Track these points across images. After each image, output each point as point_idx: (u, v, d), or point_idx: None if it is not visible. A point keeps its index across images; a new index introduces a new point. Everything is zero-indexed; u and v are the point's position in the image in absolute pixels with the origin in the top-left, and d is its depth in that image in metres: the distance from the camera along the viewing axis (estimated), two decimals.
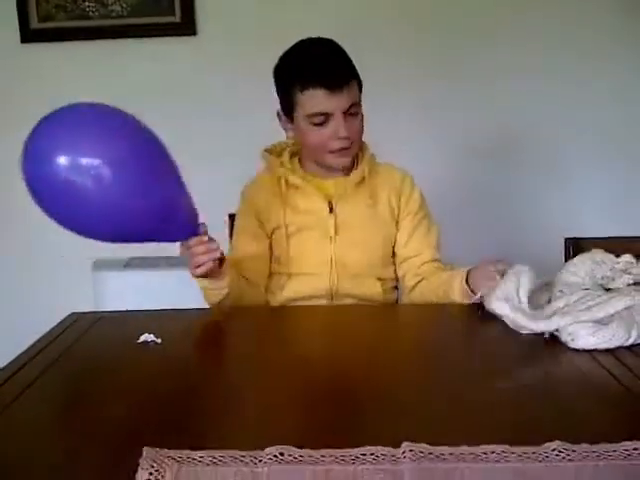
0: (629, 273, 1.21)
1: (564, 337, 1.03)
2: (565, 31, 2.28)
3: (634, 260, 1.25)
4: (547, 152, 2.36)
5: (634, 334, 1.02)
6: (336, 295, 1.44)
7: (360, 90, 1.38)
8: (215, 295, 1.31)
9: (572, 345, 1.02)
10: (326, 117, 1.33)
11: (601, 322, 1.04)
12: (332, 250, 1.43)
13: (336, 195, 1.43)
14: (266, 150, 1.49)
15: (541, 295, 1.19)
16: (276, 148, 1.50)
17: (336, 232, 1.42)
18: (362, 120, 1.39)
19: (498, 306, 1.10)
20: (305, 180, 1.44)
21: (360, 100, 1.38)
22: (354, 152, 1.42)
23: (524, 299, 1.11)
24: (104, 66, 2.33)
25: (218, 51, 2.31)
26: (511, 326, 1.09)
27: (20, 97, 2.36)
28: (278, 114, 1.43)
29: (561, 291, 1.16)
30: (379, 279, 1.46)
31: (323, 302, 1.43)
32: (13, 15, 2.28)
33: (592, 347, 1.01)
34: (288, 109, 1.38)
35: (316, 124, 1.34)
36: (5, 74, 2.35)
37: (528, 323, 1.07)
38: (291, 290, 1.45)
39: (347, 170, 1.45)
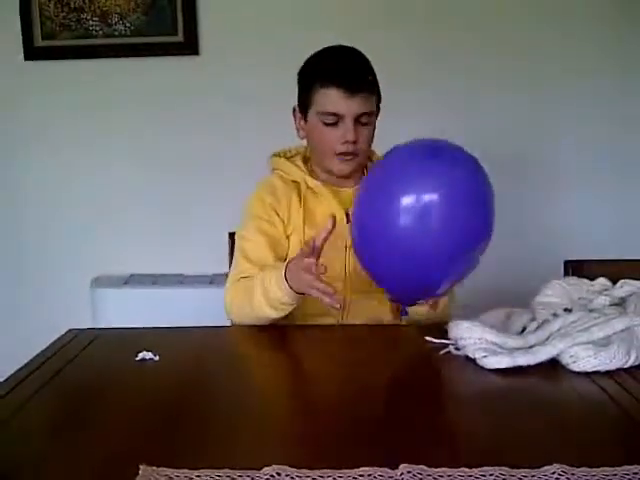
0: (606, 295, 1.21)
1: (565, 360, 1.02)
2: (568, 47, 2.30)
3: (609, 283, 1.25)
4: (548, 173, 2.37)
5: (633, 355, 1.02)
6: (347, 310, 1.40)
7: (377, 103, 1.40)
8: (285, 310, 1.29)
9: (574, 368, 1.01)
10: (337, 119, 1.35)
11: (600, 344, 1.03)
12: (347, 260, 1.40)
13: (353, 204, 1.41)
14: (275, 155, 1.49)
15: (514, 322, 1.18)
16: (285, 154, 1.49)
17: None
18: (373, 131, 1.40)
19: (495, 361, 1.06)
20: (324, 186, 1.43)
21: (375, 112, 1.40)
22: (359, 161, 1.42)
23: (498, 339, 1.09)
24: (107, 84, 2.34)
25: (221, 70, 2.32)
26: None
27: (23, 114, 2.38)
28: (294, 110, 1.45)
29: (543, 309, 1.17)
30: None
31: (332, 319, 1.39)
32: (17, 33, 2.29)
33: (593, 369, 1.00)
34: (304, 105, 1.41)
35: (326, 124, 1.36)
36: (9, 91, 2.36)
37: (529, 358, 1.04)
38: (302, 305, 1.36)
39: (355, 180, 1.45)
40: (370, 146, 1.43)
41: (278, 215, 1.42)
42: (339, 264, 1.40)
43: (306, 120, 1.41)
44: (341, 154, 1.38)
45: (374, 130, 1.40)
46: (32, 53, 2.32)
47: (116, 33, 2.31)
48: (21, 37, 2.30)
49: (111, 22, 2.30)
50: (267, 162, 1.50)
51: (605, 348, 1.02)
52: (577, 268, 1.49)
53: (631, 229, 2.33)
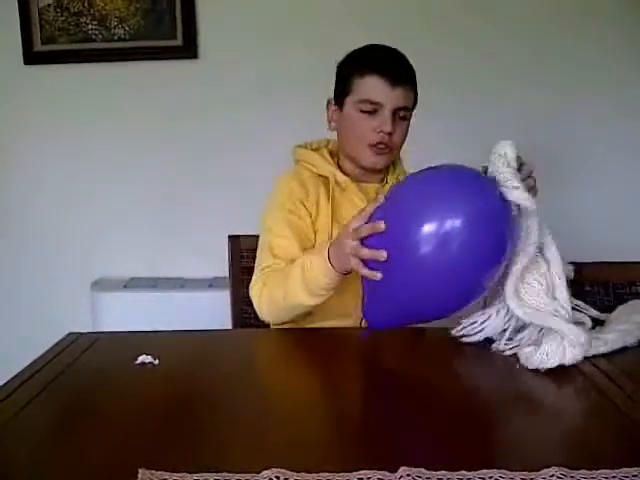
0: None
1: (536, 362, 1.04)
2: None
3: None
4: (553, 176, 2.36)
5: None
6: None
7: (414, 102, 1.39)
8: (325, 296, 1.25)
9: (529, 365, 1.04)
10: (376, 108, 1.33)
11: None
12: None
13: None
14: (299, 146, 1.47)
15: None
16: (311, 145, 1.47)
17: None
18: (407, 129, 1.39)
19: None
20: (353, 183, 1.41)
21: (411, 110, 1.39)
22: (391, 156, 1.40)
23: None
24: (106, 88, 2.35)
25: (220, 74, 2.33)
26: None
27: (23, 118, 2.38)
28: (328, 102, 1.43)
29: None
30: None
31: (351, 322, 1.38)
32: (17, 37, 2.30)
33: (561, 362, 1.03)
34: (342, 94, 1.38)
35: (364, 111, 1.34)
36: (8, 96, 2.37)
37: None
38: (322, 308, 1.32)
39: (380, 176, 1.45)
40: (403, 144, 1.41)
41: (306, 208, 1.39)
42: None
43: (341, 110, 1.39)
44: (374, 145, 1.35)
45: (408, 129, 1.39)
46: (31, 57, 2.32)
47: (115, 37, 2.31)
48: (20, 41, 2.30)
49: (110, 26, 2.31)
50: (290, 153, 1.48)
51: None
52: (576, 271, 1.49)
53: (634, 231, 2.32)
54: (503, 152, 1.07)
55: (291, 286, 1.25)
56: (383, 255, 1.07)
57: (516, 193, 1.05)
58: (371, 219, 1.12)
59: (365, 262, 1.11)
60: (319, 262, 1.21)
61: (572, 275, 1.22)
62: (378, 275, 1.09)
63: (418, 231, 1.02)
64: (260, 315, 1.36)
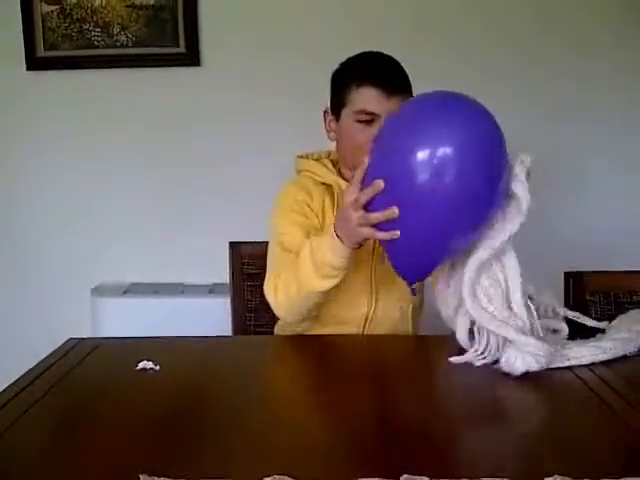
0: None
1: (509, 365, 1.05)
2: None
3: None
4: (549, 181, 2.36)
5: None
6: (370, 322, 1.40)
7: None
8: (337, 277, 1.24)
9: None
10: (372, 118, 1.33)
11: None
12: (372, 266, 1.38)
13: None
14: (300, 157, 1.48)
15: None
16: (312, 156, 1.48)
17: (380, 243, 1.31)
18: None
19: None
20: None
21: None
22: None
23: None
24: (109, 95, 2.35)
25: (222, 82, 2.33)
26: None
27: (25, 124, 2.38)
28: (325, 113, 1.43)
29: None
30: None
31: (354, 329, 1.39)
32: (20, 43, 2.30)
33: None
34: (338, 105, 1.39)
35: (360, 121, 1.34)
36: (11, 101, 2.37)
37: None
38: (325, 315, 1.37)
39: None
40: None
41: (311, 209, 1.40)
42: (364, 270, 1.38)
43: (338, 120, 1.40)
44: None
45: None
46: (34, 63, 2.32)
47: (118, 44, 2.32)
48: (23, 47, 2.31)
49: (113, 33, 2.31)
50: (293, 163, 1.49)
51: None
52: (577, 280, 1.49)
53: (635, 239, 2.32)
54: (524, 157, 1.13)
55: (302, 272, 1.25)
56: (395, 212, 1.08)
57: (520, 186, 1.09)
58: (364, 182, 1.14)
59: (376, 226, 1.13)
60: (326, 240, 1.22)
61: (531, 292, 1.20)
62: (396, 233, 1.10)
63: (412, 169, 1.04)
64: (276, 311, 1.35)
